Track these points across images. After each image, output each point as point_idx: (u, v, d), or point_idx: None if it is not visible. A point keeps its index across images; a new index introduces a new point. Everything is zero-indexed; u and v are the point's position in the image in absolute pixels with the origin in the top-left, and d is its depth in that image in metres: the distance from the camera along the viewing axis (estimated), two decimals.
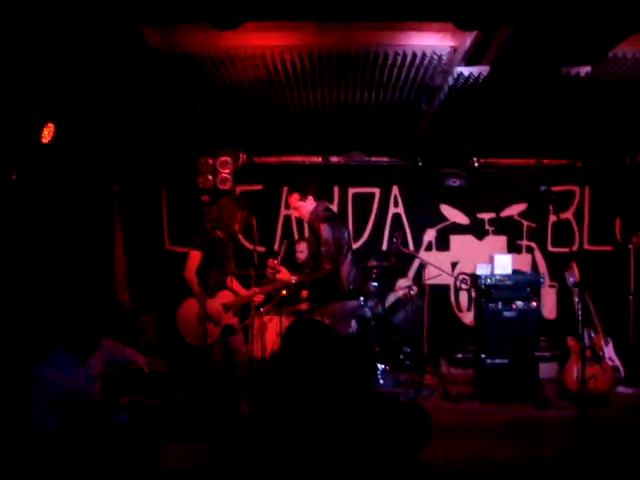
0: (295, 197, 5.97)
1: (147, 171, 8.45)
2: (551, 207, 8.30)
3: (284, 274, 6.03)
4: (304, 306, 7.37)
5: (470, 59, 4.65)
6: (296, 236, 8.65)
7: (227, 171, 7.92)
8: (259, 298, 6.21)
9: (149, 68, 5.05)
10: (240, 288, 6.36)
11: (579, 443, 4.52)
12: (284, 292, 6.82)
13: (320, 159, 8.45)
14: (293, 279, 6.08)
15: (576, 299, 5.21)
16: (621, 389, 7.38)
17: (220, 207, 6.15)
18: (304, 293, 6.31)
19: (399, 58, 4.82)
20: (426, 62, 4.90)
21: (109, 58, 4.82)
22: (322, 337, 3.18)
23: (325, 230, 5.80)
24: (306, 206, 5.95)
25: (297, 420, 2.85)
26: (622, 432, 5.79)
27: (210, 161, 7.91)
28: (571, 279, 7.18)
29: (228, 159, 7.95)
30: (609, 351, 7.19)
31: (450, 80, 5.04)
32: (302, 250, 7.95)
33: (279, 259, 6.10)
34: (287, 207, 8.69)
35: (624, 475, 4.31)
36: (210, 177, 7.90)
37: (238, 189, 8.50)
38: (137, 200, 8.66)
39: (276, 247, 8.64)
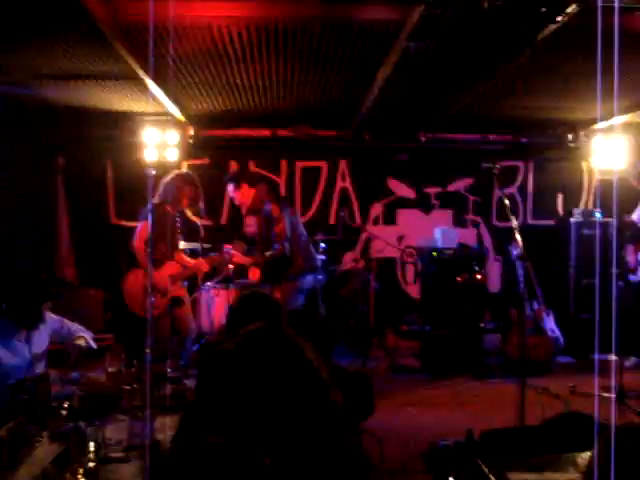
0: (230, 188, 6.03)
1: (92, 144, 8.28)
2: (496, 183, 8.46)
3: (239, 258, 6.09)
4: (253, 279, 7.39)
5: (418, 33, 4.66)
6: (244, 210, 8.59)
7: (174, 144, 7.84)
8: (205, 268, 6.24)
9: (90, 38, 4.94)
10: (187, 261, 6.35)
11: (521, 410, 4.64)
12: (231, 267, 6.81)
13: (268, 133, 8.42)
14: (248, 261, 6.12)
15: (519, 272, 5.32)
16: (561, 358, 7.62)
17: (169, 183, 6.11)
18: (256, 273, 6.32)
19: (346, 32, 4.81)
20: (374, 35, 4.91)
21: (50, 29, 4.72)
22: (270, 310, 3.19)
23: (277, 211, 5.84)
24: (242, 194, 5.99)
25: (244, 392, 2.86)
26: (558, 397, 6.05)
27: (157, 134, 7.82)
28: (514, 252, 7.34)
29: (175, 132, 7.87)
30: (550, 322, 7.40)
31: (397, 54, 5.05)
32: (251, 224, 7.92)
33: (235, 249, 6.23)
34: None
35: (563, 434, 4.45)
36: (157, 150, 7.82)
37: (185, 163, 8.43)
38: (82, 174, 8.48)
39: (223, 221, 8.60)
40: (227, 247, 6.22)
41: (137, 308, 5.94)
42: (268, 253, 5.93)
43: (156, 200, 6.10)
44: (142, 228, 6.01)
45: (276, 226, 5.83)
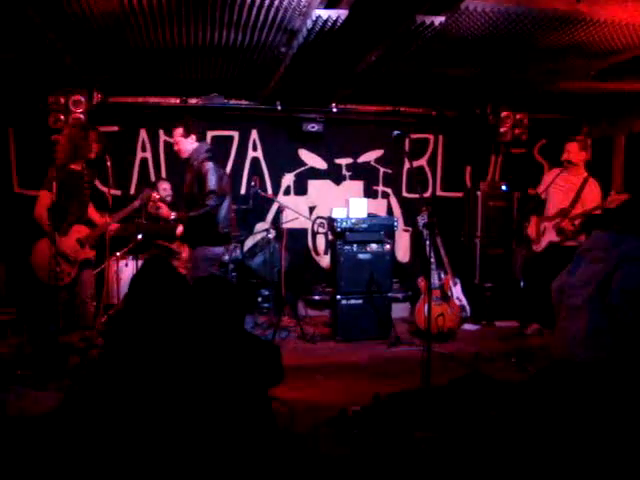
0: (179, 131, 5.96)
1: None
2: (405, 154, 8.59)
3: (165, 210, 6.02)
4: (157, 250, 7.31)
5: (329, 2, 4.66)
6: (153, 178, 8.45)
7: (80, 110, 7.56)
8: (114, 227, 6.17)
9: None
10: (97, 218, 6.27)
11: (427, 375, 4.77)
12: (139, 237, 6.71)
13: (178, 100, 8.26)
14: (172, 215, 6.04)
15: (427, 242, 5.43)
16: (467, 326, 7.87)
17: (71, 136, 5.95)
18: (179, 230, 6.23)
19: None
20: (285, 3, 4.85)
21: None
22: (172, 278, 3.17)
23: (210, 168, 5.81)
24: (186, 143, 5.95)
25: (152, 362, 2.83)
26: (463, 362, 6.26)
27: (62, 99, 7.52)
28: (422, 221, 7.49)
29: (81, 98, 7.59)
30: (457, 291, 7.60)
31: (309, 23, 5.01)
32: (165, 188, 7.83)
33: (159, 195, 6.15)
34: (144, 149, 8.50)
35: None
36: (62, 116, 7.54)
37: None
38: None
39: (132, 191, 8.44)
40: (154, 197, 6.12)
41: (46, 278, 5.79)
42: (193, 212, 5.86)
43: (59, 161, 5.93)
44: (42, 197, 5.86)
45: (207, 183, 5.78)
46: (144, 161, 8.55)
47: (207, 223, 5.90)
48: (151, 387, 2.75)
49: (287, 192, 8.95)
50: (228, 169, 8.73)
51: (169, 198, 7.76)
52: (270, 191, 8.80)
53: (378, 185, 9.25)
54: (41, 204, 5.85)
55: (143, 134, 8.50)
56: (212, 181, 5.83)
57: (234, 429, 2.95)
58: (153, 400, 2.74)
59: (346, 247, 7.36)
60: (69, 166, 5.91)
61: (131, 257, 7.13)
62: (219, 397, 2.94)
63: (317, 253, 9.00)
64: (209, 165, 5.86)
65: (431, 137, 9.38)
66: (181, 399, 2.81)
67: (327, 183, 9.05)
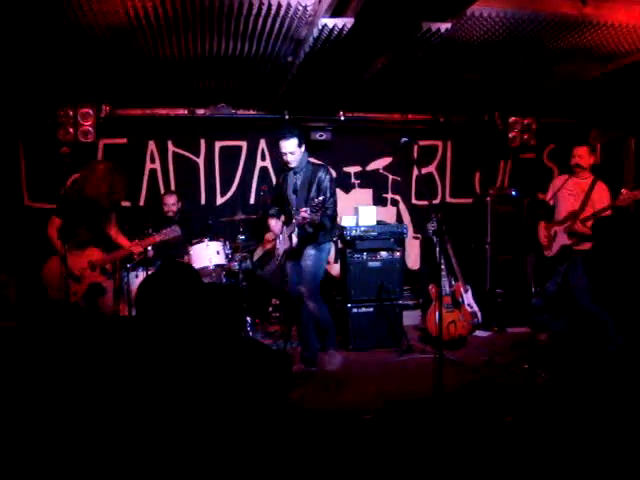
0: (295, 142, 5.98)
1: (2, 122, 7.98)
2: (414, 161, 8.59)
3: None
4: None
5: (335, 10, 4.66)
6: (162, 191, 8.48)
7: (89, 123, 7.64)
8: (137, 249, 6.15)
9: None
10: (123, 242, 6.24)
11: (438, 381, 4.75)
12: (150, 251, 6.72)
13: (186, 111, 8.29)
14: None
15: (437, 249, 5.42)
16: (478, 333, 7.83)
17: (104, 177, 5.92)
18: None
19: (264, 8, 4.77)
20: (291, 13, 4.88)
21: None
22: (184, 283, 3.15)
23: (331, 178, 6.16)
24: (299, 152, 6.02)
25: (162, 367, 2.83)
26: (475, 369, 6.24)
27: (70, 112, 7.60)
28: (431, 228, 7.47)
29: (90, 111, 7.66)
30: (468, 298, 7.56)
31: (315, 32, 5.03)
32: (173, 203, 7.84)
33: None
34: (152, 161, 8.53)
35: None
36: (71, 129, 7.60)
37: (101, 142, 8.24)
38: None
39: (141, 202, 8.47)
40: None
41: (55, 295, 5.81)
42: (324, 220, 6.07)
43: (69, 183, 5.96)
44: (52, 221, 5.89)
45: (327, 191, 6.08)
46: (153, 172, 8.57)
47: (333, 222, 6.23)
48: (154, 396, 2.74)
49: None
50: (237, 179, 8.75)
51: (174, 207, 7.81)
52: None
53: (387, 193, 9.24)
54: (50, 224, 5.88)
55: (152, 145, 8.52)
56: (333, 188, 6.20)
57: (244, 439, 2.93)
58: (157, 409, 2.73)
59: (356, 255, 7.36)
60: (84, 191, 5.89)
61: (141, 268, 7.13)
62: (225, 407, 2.93)
63: (327, 262, 8.97)
64: (328, 174, 6.14)
65: (440, 144, 9.37)
66: (185, 410, 2.80)
67: (336, 191, 9.03)
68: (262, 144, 8.85)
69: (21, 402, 3.17)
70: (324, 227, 6.05)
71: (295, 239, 6.09)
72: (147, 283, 3.07)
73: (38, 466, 2.84)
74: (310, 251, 6.15)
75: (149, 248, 6.52)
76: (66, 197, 5.99)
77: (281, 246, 6.39)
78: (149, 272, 6.61)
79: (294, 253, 6.22)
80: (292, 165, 6.09)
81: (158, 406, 2.66)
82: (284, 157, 6.09)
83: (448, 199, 9.44)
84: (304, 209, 5.64)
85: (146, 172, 8.55)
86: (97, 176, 5.88)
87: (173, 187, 8.47)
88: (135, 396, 2.69)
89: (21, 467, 2.88)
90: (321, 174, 6.07)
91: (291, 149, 5.99)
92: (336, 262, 8.72)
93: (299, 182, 6.15)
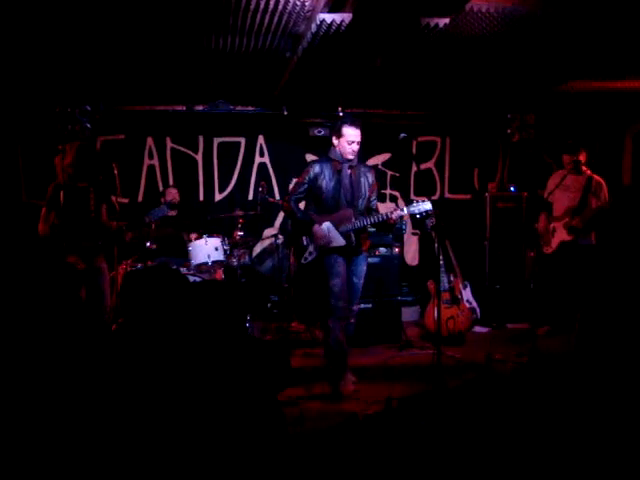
0: (358, 132, 5.48)
1: (0, 119, 7.95)
2: (412, 157, 8.58)
3: None
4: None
5: (333, 5, 4.65)
6: (160, 187, 8.46)
7: (87, 120, 7.63)
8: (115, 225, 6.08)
9: None
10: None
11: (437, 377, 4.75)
12: (149, 245, 6.70)
13: (184, 108, 8.27)
14: None
15: (436, 245, 5.41)
16: (477, 328, 7.82)
17: (77, 156, 5.87)
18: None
19: (262, 3, 4.75)
20: (289, 8, 4.86)
21: None
22: (168, 281, 3.14)
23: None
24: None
25: (158, 363, 2.82)
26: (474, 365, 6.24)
27: (69, 109, 7.60)
28: (430, 224, 7.45)
29: (88, 107, 7.66)
30: (467, 294, 7.55)
31: (313, 27, 5.01)
32: (174, 196, 7.83)
33: None
34: (151, 157, 8.51)
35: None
36: (69, 126, 7.59)
37: (100, 139, 8.23)
38: None
39: (140, 198, 8.46)
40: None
41: None
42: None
43: (62, 177, 5.89)
44: (42, 212, 5.82)
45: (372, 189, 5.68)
46: (151, 168, 8.55)
47: None
48: (155, 392, 2.73)
49: None
50: (235, 176, 8.73)
51: (177, 197, 7.81)
52: (278, 196, 8.77)
53: (386, 188, 9.23)
54: (40, 219, 5.81)
55: (150, 142, 8.51)
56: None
57: (241, 431, 2.93)
58: (158, 405, 2.72)
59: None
60: (75, 182, 5.84)
61: (140, 264, 7.10)
62: (224, 400, 2.92)
63: None
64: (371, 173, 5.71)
65: (438, 139, 9.36)
66: (186, 403, 2.79)
67: None
68: (260, 140, 8.83)
69: (21, 402, 3.16)
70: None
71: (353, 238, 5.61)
72: (130, 278, 3.07)
73: (38, 466, 2.83)
74: (364, 267, 5.73)
75: (148, 244, 6.52)
76: (56, 188, 5.91)
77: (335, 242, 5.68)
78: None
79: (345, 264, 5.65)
80: (353, 157, 5.51)
81: (155, 399, 2.66)
82: (352, 146, 5.42)
83: (447, 195, 9.43)
84: (397, 209, 5.42)
85: (144, 168, 8.53)
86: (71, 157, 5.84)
87: (172, 183, 8.46)
88: (132, 395, 2.68)
89: (21, 467, 2.87)
90: (372, 175, 5.68)
91: (360, 139, 5.48)
92: None
93: (354, 177, 5.54)
